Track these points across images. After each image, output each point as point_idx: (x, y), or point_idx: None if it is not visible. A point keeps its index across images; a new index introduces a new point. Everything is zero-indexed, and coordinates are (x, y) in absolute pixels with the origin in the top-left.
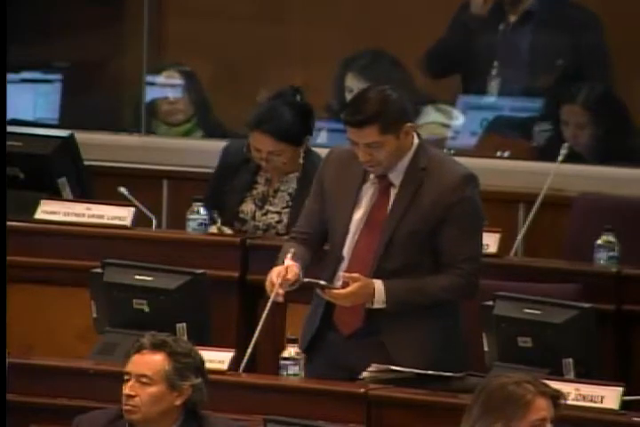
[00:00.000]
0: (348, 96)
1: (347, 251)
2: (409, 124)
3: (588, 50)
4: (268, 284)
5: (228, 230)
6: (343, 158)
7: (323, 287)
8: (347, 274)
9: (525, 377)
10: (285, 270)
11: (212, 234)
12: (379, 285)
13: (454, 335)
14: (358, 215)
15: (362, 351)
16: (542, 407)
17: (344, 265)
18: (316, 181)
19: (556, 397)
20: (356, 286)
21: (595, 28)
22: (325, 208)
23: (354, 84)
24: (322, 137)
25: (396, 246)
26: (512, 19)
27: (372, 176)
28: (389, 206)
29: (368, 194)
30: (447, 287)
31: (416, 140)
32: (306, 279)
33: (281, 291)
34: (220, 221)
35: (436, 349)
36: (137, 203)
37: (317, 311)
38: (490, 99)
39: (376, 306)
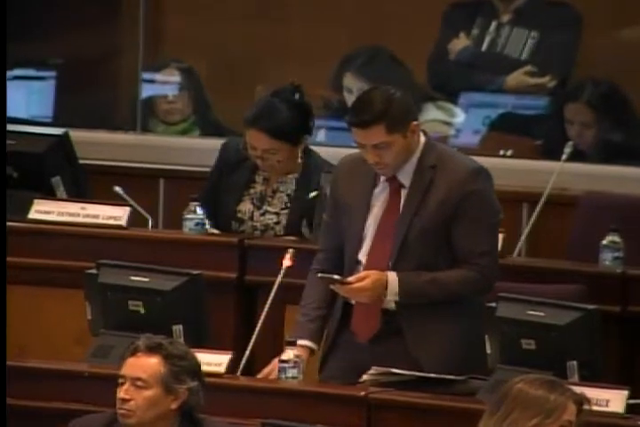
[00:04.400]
0: (346, 95)
1: (362, 256)
2: (415, 123)
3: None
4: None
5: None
6: (352, 166)
7: (337, 282)
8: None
9: (552, 378)
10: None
11: (210, 234)
12: (392, 276)
13: (477, 337)
14: (372, 220)
15: (383, 356)
16: (573, 410)
17: (361, 270)
18: (329, 195)
19: (581, 402)
20: (370, 280)
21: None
22: (341, 218)
23: (352, 83)
24: (321, 135)
25: (410, 247)
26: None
27: (382, 179)
28: (400, 208)
29: (380, 198)
30: (462, 280)
31: (422, 139)
32: (319, 274)
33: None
34: (209, 224)
35: (460, 351)
36: (132, 202)
37: (336, 315)
38: (492, 96)
39: (389, 298)
